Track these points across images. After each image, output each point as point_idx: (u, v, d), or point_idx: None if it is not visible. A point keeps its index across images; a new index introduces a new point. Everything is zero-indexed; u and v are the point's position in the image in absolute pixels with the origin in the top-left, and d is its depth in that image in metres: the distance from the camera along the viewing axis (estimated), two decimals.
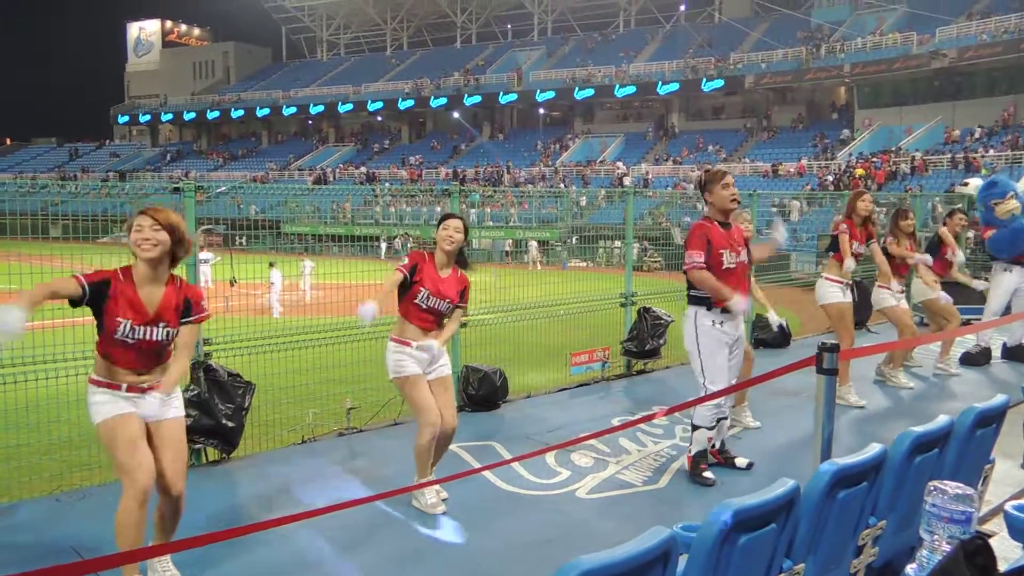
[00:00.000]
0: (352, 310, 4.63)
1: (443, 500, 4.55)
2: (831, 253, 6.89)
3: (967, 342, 8.75)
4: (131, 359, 3.42)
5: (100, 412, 3.38)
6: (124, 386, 3.41)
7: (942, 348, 8.17)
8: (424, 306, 4.47)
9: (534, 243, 24.36)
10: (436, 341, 4.49)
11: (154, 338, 3.41)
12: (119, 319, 3.33)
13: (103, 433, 3.37)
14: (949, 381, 7.83)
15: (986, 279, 8.85)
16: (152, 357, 3.47)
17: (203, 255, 16.15)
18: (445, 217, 4.64)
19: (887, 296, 7.44)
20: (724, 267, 4.86)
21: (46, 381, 4.68)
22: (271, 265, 15.31)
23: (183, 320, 3.50)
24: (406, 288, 4.49)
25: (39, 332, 4.96)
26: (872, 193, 9.68)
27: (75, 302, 3.31)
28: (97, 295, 3.32)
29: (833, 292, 6.85)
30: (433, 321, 4.55)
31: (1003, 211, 8.22)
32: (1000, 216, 8.26)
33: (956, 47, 35.67)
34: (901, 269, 7.55)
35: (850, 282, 6.92)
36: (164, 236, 3.37)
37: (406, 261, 4.51)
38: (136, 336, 3.36)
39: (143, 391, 3.42)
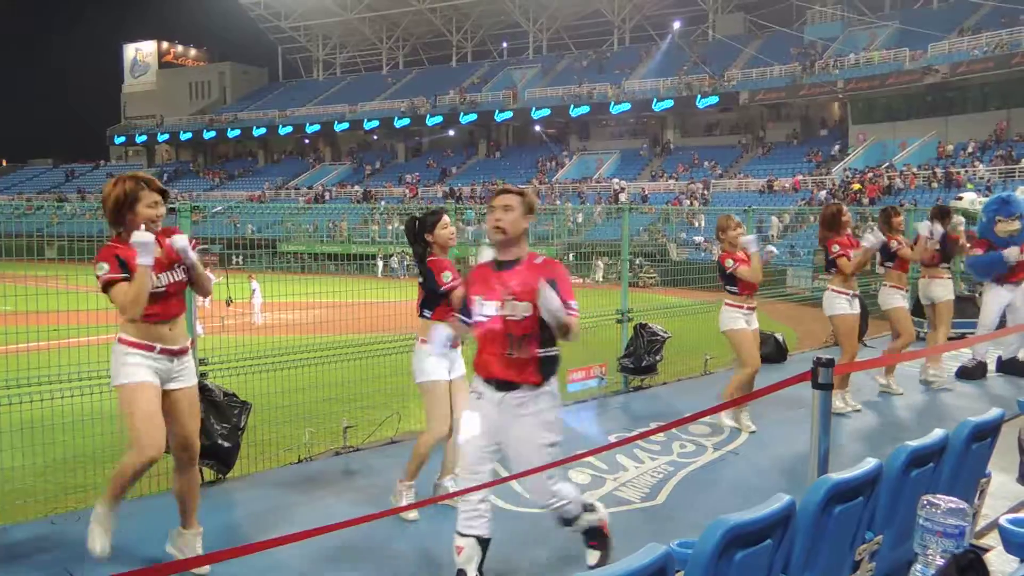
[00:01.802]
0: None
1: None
2: (833, 269, 6.94)
3: (962, 356, 8.77)
4: (164, 309, 3.61)
5: (126, 373, 3.54)
6: (158, 347, 3.59)
7: (933, 356, 8.23)
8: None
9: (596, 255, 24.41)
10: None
11: (177, 279, 3.67)
12: None
13: (124, 396, 3.55)
14: (944, 395, 7.82)
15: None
16: (179, 301, 3.71)
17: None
18: (439, 215, 4.60)
19: (898, 296, 7.51)
20: (473, 318, 3.72)
21: (40, 403, 4.67)
22: None
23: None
24: (439, 295, 4.47)
25: (34, 353, 4.96)
26: (867, 208, 9.70)
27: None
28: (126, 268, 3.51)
29: (840, 304, 6.91)
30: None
31: (1003, 230, 8.21)
32: (998, 234, 8.24)
33: (948, 63, 35.96)
34: (904, 267, 7.66)
35: (857, 292, 6.97)
36: (164, 208, 3.66)
37: (452, 277, 4.42)
38: (163, 283, 3.59)
39: (174, 354, 3.64)
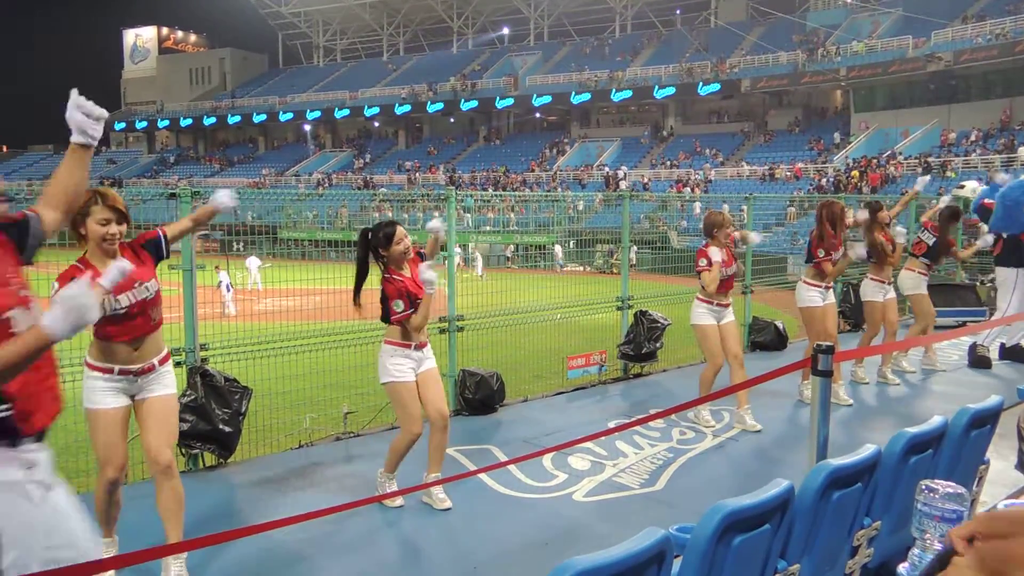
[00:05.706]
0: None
1: (446, 509, 4.58)
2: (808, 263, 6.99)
3: (964, 343, 8.78)
4: (127, 329, 3.54)
5: (91, 399, 3.57)
6: (116, 369, 3.56)
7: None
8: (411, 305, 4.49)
9: (473, 247, 24.57)
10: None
11: (139, 298, 3.54)
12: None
13: (89, 419, 3.60)
14: (944, 382, 7.83)
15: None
16: (144, 321, 3.59)
17: (251, 260, 16.68)
18: (392, 228, 4.48)
19: (875, 289, 7.57)
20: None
21: None
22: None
23: (157, 241, 3.68)
24: (387, 305, 4.49)
25: None
26: (868, 196, 9.67)
27: None
28: None
29: (811, 296, 6.95)
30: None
31: None
32: None
33: (952, 50, 35.77)
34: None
35: (830, 285, 6.99)
36: (124, 227, 3.55)
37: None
38: (123, 304, 3.49)
39: (134, 374, 3.59)
